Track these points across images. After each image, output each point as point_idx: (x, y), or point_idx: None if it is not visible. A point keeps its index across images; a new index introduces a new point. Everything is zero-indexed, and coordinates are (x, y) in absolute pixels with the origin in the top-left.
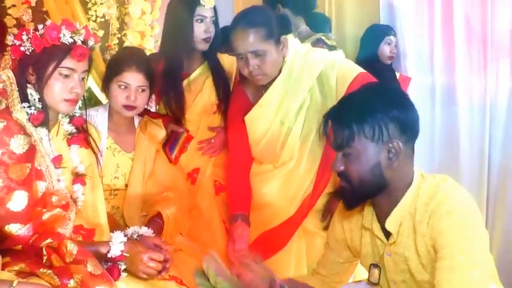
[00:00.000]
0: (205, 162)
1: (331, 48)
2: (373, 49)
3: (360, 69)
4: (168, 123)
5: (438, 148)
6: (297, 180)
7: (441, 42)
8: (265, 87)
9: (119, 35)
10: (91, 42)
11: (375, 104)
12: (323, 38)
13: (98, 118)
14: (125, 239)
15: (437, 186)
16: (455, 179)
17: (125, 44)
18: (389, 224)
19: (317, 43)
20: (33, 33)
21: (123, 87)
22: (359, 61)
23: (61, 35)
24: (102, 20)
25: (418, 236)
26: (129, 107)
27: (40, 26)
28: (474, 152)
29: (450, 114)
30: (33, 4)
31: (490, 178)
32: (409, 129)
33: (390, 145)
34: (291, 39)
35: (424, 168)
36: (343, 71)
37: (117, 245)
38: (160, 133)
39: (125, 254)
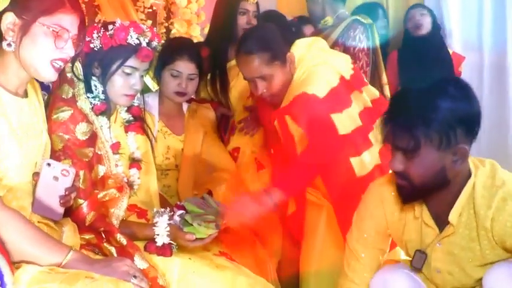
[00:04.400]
0: (245, 141)
1: (369, 26)
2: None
3: (306, 91)
4: (217, 107)
5: (486, 130)
6: None
7: (491, 18)
8: None
9: (166, 24)
10: (155, 43)
11: (442, 108)
12: (358, 18)
13: (150, 104)
14: (168, 228)
15: (493, 178)
16: (504, 162)
17: (172, 33)
18: (453, 217)
19: (353, 24)
20: (103, 32)
21: (175, 75)
22: (404, 43)
23: (128, 37)
24: (150, 10)
25: (481, 230)
26: (180, 94)
27: (110, 26)
28: None
29: (499, 95)
30: None
31: None
32: (474, 127)
33: (456, 149)
34: (297, 48)
35: (471, 151)
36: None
37: (162, 234)
38: (211, 115)
39: (171, 242)
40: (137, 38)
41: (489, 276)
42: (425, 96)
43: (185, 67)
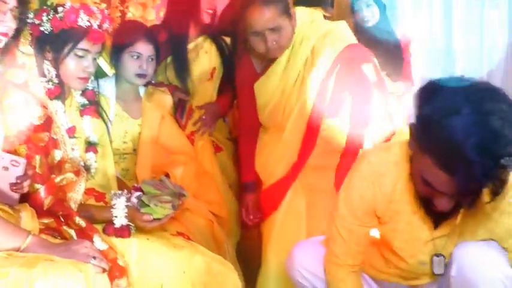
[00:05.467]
0: None
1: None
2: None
3: (348, 42)
4: (174, 91)
5: None
6: (284, 146)
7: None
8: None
9: (121, 8)
10: (106, 25)
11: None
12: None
13: (106, 88)
14: (125, 209)
15: None
16: None
17: (128, 16)
18: (459, 220)
19: None
20: (53, 15)
21: (135, 57)
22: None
23: (79, 19)
24: None
25: (480, 228)
26: (141, 75)
27: (60, 9)
28: None
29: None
30: None
31: None
32: None
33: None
34: (298, 9)
35: None
36: (330, 46)
37: (120, 216)
38: (168, 100)
39: (129, 224)
40: (88, 20)
41: (460, 251)
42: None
43: (145, 48)
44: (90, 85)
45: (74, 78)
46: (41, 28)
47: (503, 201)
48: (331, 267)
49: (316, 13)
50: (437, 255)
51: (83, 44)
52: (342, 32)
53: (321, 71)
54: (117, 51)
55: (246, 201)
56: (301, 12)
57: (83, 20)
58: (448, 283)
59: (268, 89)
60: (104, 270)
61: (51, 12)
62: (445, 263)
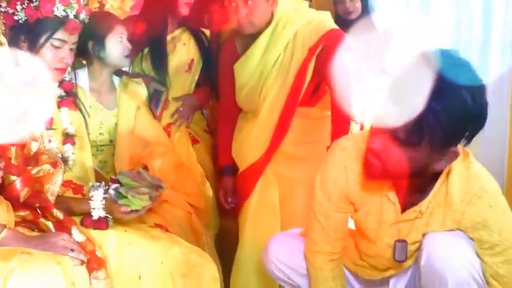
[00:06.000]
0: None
1: None
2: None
3: (331, 26)
4: (149, 82)
5: None
6: (258, 131)
7: None
8: (253, 39)
9: None
10: (82, 16)
11: (457, 114)
12: None
13: (81, 79)
14: (103, 201)
15: (467, 169)
16: None
17: (106, 7)
18: (424, 206)
19: None
20: (27, 4)
21: (120, 40)
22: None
23: (55, 8)
24: None
25: (447, 220)
26: (128, 56)
27: None
28: None
29: None
30: None
31: None
32: (477, 132)
33: (449, 152)
34: None
35: None
36: (314, 29)
37: (98, 208)
38: (143, 91)
39: (107, 216)
40: (64, 10)
41: (428, 241)
42: (440, 98)
43: (124, 30)
44: (68, 76)
45: (50, 69)
46: (15, 17)
47: (470, 194)
48: (310, 256)
49: (302, 3)
50: (400, 241)
51: (60, 34)
52: (327, 20)
53: (302, 55)
54: (101, 38)
55: (224, 184)
56: (287, 0)
57: (58, 10)
58: (419, 272)
59: (246, 70)
60: (82, 263)
61: (26, 1)
62: (408, 251)
